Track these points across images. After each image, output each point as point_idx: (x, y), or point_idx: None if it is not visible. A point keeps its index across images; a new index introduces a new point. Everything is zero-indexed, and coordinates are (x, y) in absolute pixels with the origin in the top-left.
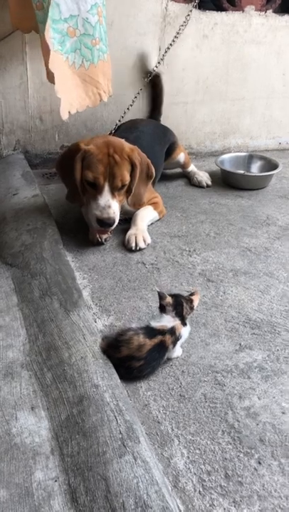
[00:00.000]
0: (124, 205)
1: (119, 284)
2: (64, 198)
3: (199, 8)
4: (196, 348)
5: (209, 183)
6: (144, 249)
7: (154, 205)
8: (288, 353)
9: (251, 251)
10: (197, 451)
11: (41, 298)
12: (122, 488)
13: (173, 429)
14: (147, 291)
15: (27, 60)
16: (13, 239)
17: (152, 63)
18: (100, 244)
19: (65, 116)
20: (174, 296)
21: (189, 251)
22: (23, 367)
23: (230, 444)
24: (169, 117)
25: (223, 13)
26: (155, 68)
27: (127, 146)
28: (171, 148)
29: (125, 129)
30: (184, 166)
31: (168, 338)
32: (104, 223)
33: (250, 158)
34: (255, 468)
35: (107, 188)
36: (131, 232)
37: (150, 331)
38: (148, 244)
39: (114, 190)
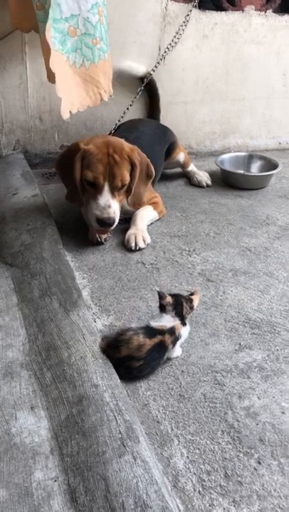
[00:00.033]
0: (123, 205)
1: (118, 283)
2: (64, 197)
3: (199, 7)
4: (195, 347)
5: (209, 182)
6: (143, 249)
7: (154, 204)
8: (288, 352)
9: (251, 251)
10: (197, 451)
11: (41, 298)
12: (122, 488)
13: (172, 429)
14: (147, 291)
15: (26, 60)
16: (12, 239)
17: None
18: (100, 244)
19: (66, 115)
20: (174, 295)
21: (189, 251)
22: (22, 367)
23: (230, 443)
24: (168, 117)
25: (223, 12)
26: (152, 72)
27: (127, 145)
28: (170, 148)
29: (125, 129)
30: (183, 165)
31: (167, 338)
32: (104, 223)
33: (250, 158)
34: (254, 468)
35: (106, 187)
36: (131, 231)
37: (150, 331)
38: (148, 244)
39: (114, 190)
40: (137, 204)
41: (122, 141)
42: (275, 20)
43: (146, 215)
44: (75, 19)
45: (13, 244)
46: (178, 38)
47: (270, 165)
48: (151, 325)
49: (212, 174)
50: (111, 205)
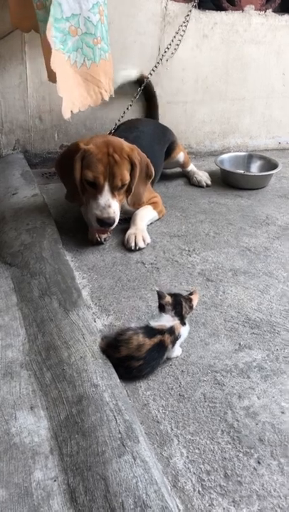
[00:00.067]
0: (123, 205)
1: (118, 283)
2: (63, 197)
3: (199, 7)
4: (195, 347)
5: (209, 182)
6: (143, 248)
7: (154, 204)
8: (288, 352)
9: (251, 251)
10: (196, 450)
11: (40, 297)
12: (122, 488)
13: (172, 429)
14: (147, 290)
15: (26, 60)
16: (12, 238)
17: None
18: (100, 243)
19: (67, 115)
20: (173, 295)
21: (189, 251)
22: (22, 366)
23: (230, 443)
24: (168, 117)
25: (223, 12)
26: (149, 75)
27: (127, 145)
28: (170, 148)
29: (125, 129)
30: (183, 165)
31: (167, 338)
32: (105, 223)
33: (250, 157)
34: (254, 468)
35: (107, 187)
36: (130, 231)
37: (149, 331)
38: (147, 244)
39: (114, 190)
40: (137, 204)
41: (122, 140)
42: (275, 19)
43: (146, 215)
44: (76, 19)
45: (13, 243)
46: (179, 40)
47: (270, 165)
48: (150, 325)
49: (212, 174)
50: (111, 204)
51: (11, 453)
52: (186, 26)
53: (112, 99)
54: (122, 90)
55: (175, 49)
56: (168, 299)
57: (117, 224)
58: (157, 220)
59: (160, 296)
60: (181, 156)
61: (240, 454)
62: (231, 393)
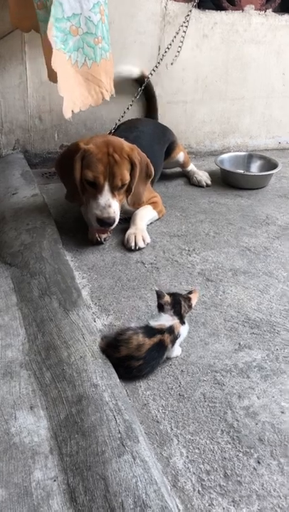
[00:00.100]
0: (123, 205)
1: (118, 283)
2: (63, 197)
3: (199, 7)
4: (195, 347)
5: (209, 182)
6: (143, 248)
7: (154, 204)
8: (287, 352)
9: (251, 250)
10: (196, 450)
11: (40, 297)
12: (121, 488)
13: (172, 429)
14: (146, 290)
15: (26, 60)
16: (12, 238)
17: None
18: (99, 243)
19: (68, 115)
20: (172, 294)
21: (189, 250)
22: (22, 366)
23: (230, 443)
24: (168, 117)
25: (223, 12)
26: (149, 75)
27: (127, 145)
28: (170, 148)
29: (125, 129)
30: (183, 165)
31: (167, 337)
32: (105, 223)
33: (250, 157)
34: (254, 468)
35: (107, 187)
36: (130, 231)
37: (149, 331)
38: (147, 244)
39: (114, 190)
40: (137, 204)
41: (122, 140)
42: (275, 19)
43: (145, 215)
44: (77, 18)
45: (13, 243)
46: (181, 42)
47: (270, 165)
48: (150, 324)
49: (212, 174)
50: (111, 204)
51: (11, 453)
52: (186, 27)
53: (111, 99)
54: (122, 89)
55: (178, 51)
56: (167, 298)
57: (117, 224)
58: (157, 219)
59: (159, 295)
60: (181, 155)
61: (240, 454)
62: (231, 393)
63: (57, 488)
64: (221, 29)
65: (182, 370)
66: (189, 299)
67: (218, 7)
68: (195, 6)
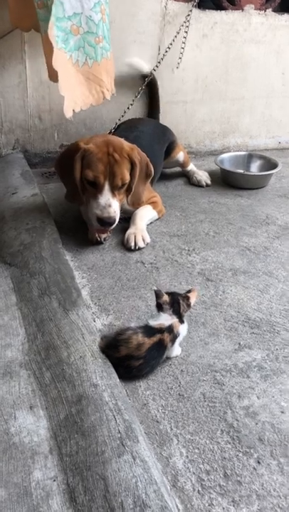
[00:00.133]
0: (123, 204)
1: (118, 283)
2: (63, 197)
3: (199, 7)
4: (195, 347)
5: (209, 182)
6: (143, 248)
7: (153, 204)
8: (287, 352)
9: (250, 250)
10: (196, 450)
11: (40, 297)
12: (121, 488)
13: (172, 429)
14: (146, 290)
15: (26, 59)
16: (12, 238)
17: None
18: (99, 243)
19: (69, 114)
20: (171, 294)
21: (188, 250)
22: (21, 366)
23: (230, 443)
24: (168, 116)
25: (223, 12)
26: (153, 71)
27: (127, 144)
28: (170, 148)
29: (125, 128)
30: (183, 165)
31: (166, 336)
32: (105, 222)
33: (250, 157)
34: (254, 468)
35: (107, 187)
36: (130, 231)
37: (149, 330)
38: (147, 244)
39: (114, 189)
40: (136, 203)
41: (122, 140)
42: (275, 19)
43: (145, 215)
44: (78, 17)
45: (13, 243)
46: (184, 43)
47: (270, 164)
48: (149, 324)
49: (212, 174)
50: (111, 204)
51: (11, 453)
52: (188, 27)
53: (112, 99)
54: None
55: (181, 52)
56: (165, 297)
57: (117, 223)
58: (157, 219)
59: (158, 295)
60: (180, 155)
61: (240, 454)
62: (231, 393)
63: (56, 488)
64: (220, 29)
65: (182, 370)
66: (188, 298)
67: (218, 7)
68: (195, 6)
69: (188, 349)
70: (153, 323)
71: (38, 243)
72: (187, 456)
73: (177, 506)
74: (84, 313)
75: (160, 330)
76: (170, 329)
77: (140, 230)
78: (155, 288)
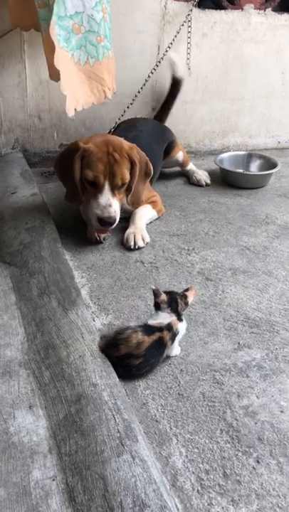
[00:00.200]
0: (123, 204)
1: (117, 282)
2: (62, 196)
3: (198, 6)
4: (194, 346)
5: (208, 181)
6: (142, 248)
7: (153, 203)
8: (287, 351)
9: (250, 250)
10: (195, 450)
11: (39, 297)
12: (120, 487)
13: (171, 428)
14: (146, 290)
15: (25, 59)
16: (11, 237)
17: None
18: (99, 242)
19: (71, 113)
20: (169, 293)
21: (188, 250)
22: (21, 365)
23: (229, 442)
24: (168, 116)
25: (223, 11)
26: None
27: (126, 144)
28: (169, 147)
29: (124, 128)
30: (182, 164)
31: (166, 334)
32: (106, 222)
33: (250, 157)
34: (253, 467)
35: (107, 186)
36: (130, 230)
37: (148, 329)
38: (147, 243)
39: (114, 189)
40: (136, 203)
41: (122, 139)
42: (275, 18)
43: (145, 214)
44: (80, 16)
45: (12, 243)
46: (189, 43)
47: (270, 164)
48: (149, 323)
49: (211, 173)
50: (112, 204)
51: (10, 452)
52: (190, 26)
53: (112, 99)
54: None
55: (188, 53)
56: (163, 296)
57: (117, 223)
58: (156, 219)
59: (156, 294)
60: (180, 155)
61: (240, 454)
62: (230, 392)
63: (56, 488)
64: (220, 28)
65: (181, 370)
66: (185, 297)
67: (218, 6)
68: (195, 5)
69: (188, 348)
70: (152, 321)
71: (37, 243)
72: (186, 456)
73: (176, 506)
74: (83, 313)
75: (159, 328)
76: (169, 327)
77: (140, 230)
78: (153, 287)
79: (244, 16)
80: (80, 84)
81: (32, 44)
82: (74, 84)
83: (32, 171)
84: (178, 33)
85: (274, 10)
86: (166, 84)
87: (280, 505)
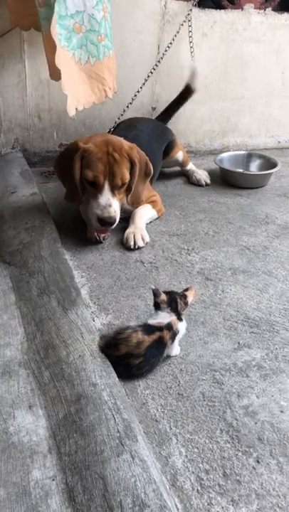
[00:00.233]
0: (123, 204)
1: (117, 282)
2: (62, 196)
3: (198, 6)
4: (194, 346)
5: (208, 181)
6: (142, 247)
7: (153, 203)
8: (287, 351)
9: (250, 249)
10: (195, 449)
11: (39, 296)
12: (120, 487)
13: (171, 428)
14: (146, 289)
15: (25, 58)
16: (11, 237)
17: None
18: (99, 242)
19: (72, 112)
20: (168, 293)
21: (188, 250)
22: (20, 365)
23: (229, 442)
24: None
25: (223, 11)
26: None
27: (126, 144)
28: (169, 147)
29: (124, 128)
30: (182, 164)
31: (166, 334)
32: (106, 222)
33: (249, 156)
34: (253, 467)
35: (107, 186)
36: (129, 230)
37: (148, 328)
38: (146, 243)
39: (114, 189)
40: (136, 202)
41: (121, 139)
42: (275, 18)
43: (145, 214)
44: (80, 16)
45: (12, 242)
46: (191, 42)
47: (269, 164)
48: (148, 323)
49: (211, 173)
50: (112, 204)
51: (9, 452)
52: (190, 26)
53: (111, 99)
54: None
55: (191, 46)
56: (163, 296)
57: (117, 223)
58: (156, 218)
59: (155, 294)
60: (180, 154)
61: (239, 453)
62: (230, 392)
63: (55, 488)
64: (220, 28)
65: (181, 369)
66: (185, 297)
67: (218, 6)
68: (195, 5)
69: (188, 348)
70: (152, 321)
71: (37, 242)
72: (186, 456)
73: (176, 506)
74: (83, 313)
75: (159, 328)
76: (169, 326)
77: (139, 229)
78: (153, 287)
79: (244, 16)
80: (81, 83)
81: (32, 44)
82: (75, 84)
83: (32, 171)
84: (178, 32)
85: (274, 9)
86: (166, 84)
87: (280, 505)
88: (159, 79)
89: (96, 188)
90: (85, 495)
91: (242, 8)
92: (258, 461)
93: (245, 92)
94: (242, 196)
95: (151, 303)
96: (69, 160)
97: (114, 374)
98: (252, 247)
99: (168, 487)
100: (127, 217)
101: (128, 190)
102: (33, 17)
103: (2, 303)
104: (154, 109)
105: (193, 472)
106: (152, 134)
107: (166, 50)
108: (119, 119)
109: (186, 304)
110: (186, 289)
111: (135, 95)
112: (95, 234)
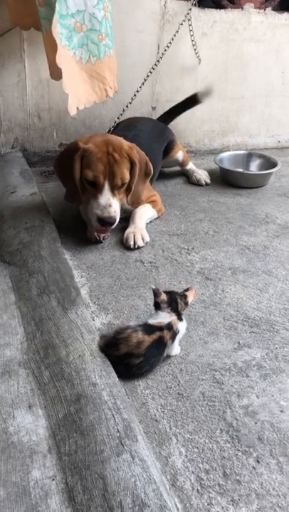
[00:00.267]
0: (123, 204)
1: (117, 282)
2: (62, 196)
3: (198, 5)
4: (194, 346)
5: (208, 181)
6: (142, 247)
7: (153, 203)
8: (287, 351)
9: (250, 249)
10: (195, 449)
11: (39, 296)
12: (120, 487)
13: (171, 428)
14: (146, 289)
15: (25, 58)
16: (11, 237)
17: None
18: (98, 242)
19: (73, 112)
20: (169, 293)
21: (188, 249)
22: (20, 365)
23: (229, 442)
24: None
25: (222, 10)
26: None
27: (126, 144)
28: (169, 147)
29: (124, 127)
30: (182, 164)
31: (166, 334)
32: (106, 222)
33: (249, 156)
34: (253, 467)
35: (107, 186)
36: (129, 230)
37: (148, 328)
38: (146, 243)
39: (114, 189)
40: (136, 202)
41: (121, 139)
42: (275, 18)
43: (145, 214)
44: (81, 15)
45: (12, 242)
46: (193, 41)
47: (269, 163)
48: (149, 322)
49: (211, 172)
50: (112, 204)
51: (9, 452)
52: (190, 25)
53: (111, 98)
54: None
55: (197, 52)
56: (163, 296)
57: (117, 223)
58: (156, 218)
59: (155, 294)
60: (180, 154)
61: (239, 453)
62: (230, 392)
63: (55, 488)
64: (220, 28)
65: (181, 369)
66: (185, 297)
67: (218, 5)
68: (195, 5)
69: (188, 348)
70: (152, 321)
71: (37, 242)
72: (186, 456)
73: (176, 505)
74: (83, 312)
75: (159, 327)
76: (169, 326)
77: (139, 229)
78: (153, 287)
79: (244, 15)
80: (82, 82)
81: (32, 43)
82: (76, 83)
83: (31, 171)
84: (177, 32)
85: (274, 9)
86: (165, 83)
87: (280, 504)
88: (159, 78)
89: (96, 188)
90: (85, 495)
91: (242, 8)
92: (258, 461)
93: (245, 91)
94: (242, 196)
95: (152, 303)
96: (69, 160)
97: (114, 374)
98: (252, 247)
99: (168, 487)
100: (127, 217)
101: (128, 190)
102: (33, 16)
103: (2, 303)
104: (154, 108)
105: (193, 472)
106: (152, 133)
107: (165, 50)
108: (118, 118)
109: (186, 303)
110: (187, 289)
111: (135, 95)
112: (95, 234)
